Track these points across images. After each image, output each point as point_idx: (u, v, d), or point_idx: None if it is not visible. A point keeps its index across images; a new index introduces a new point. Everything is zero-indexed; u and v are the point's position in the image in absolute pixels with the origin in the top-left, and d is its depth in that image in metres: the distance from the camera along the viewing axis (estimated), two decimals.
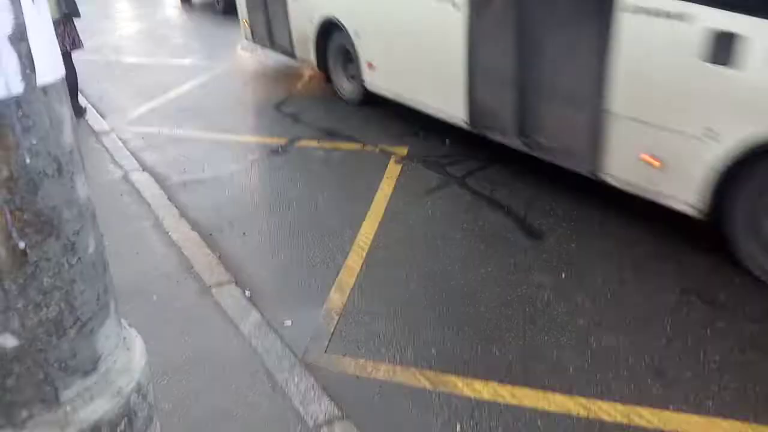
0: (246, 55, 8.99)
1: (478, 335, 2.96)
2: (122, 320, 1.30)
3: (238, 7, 7.97)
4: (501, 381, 2.67)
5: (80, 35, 5.87)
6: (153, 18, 12.70)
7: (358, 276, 3.45)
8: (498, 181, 4.51)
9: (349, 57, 6.10)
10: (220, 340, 2.92)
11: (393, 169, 4.82)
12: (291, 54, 7.10)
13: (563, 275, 3.38)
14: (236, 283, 3.37)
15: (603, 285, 3.29)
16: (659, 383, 2.63)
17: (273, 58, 8.92)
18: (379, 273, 3.49)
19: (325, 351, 2.90)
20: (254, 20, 7.67)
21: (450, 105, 4.81)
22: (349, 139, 5.50)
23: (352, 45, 5.87)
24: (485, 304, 3.18)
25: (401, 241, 3.81)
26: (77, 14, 5.73)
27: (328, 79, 6.69)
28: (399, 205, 4.25)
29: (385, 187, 4.52)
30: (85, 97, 6.68)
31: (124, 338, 1.28)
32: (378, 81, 5.73)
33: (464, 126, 4.77)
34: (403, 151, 5.17)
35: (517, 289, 3.28)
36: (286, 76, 7.87)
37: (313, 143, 5.44)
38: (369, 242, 3.79)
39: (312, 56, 6.62)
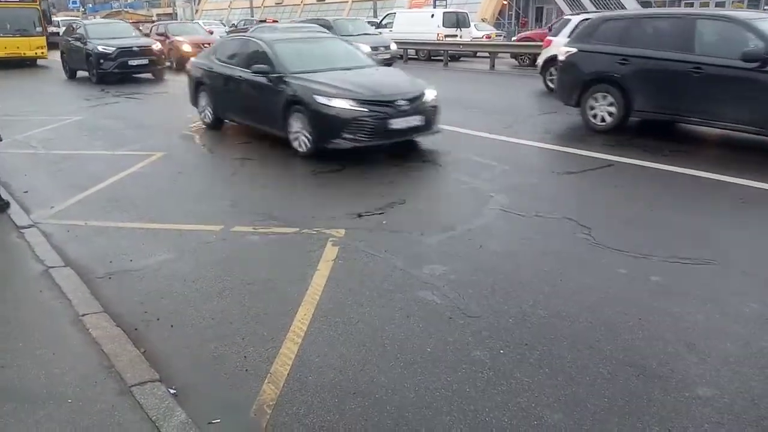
0: (183, 143, 8.94)
1: (419, 422, 2.84)
2: None
3: None
4: None
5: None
6: (85, 109, 12.58)
7: (293, 365, 3.30)
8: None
9: None
10: None
11: (330, 252, 4.77)
12: None
13: (501, 351, 3.35)
14: (161, 380, 3.15)
15: (540, 358, 3.26)
16: None
17: (216, 143, 8.92)
18: (315, 361, 3.34)
19: None
20: None
21: None
22: (286, 222, 5.45)
23: None
24: (424, 386, 3.08)
25: (339, 325, 3.70)
26: None
27: None
28: (336, 289, 4.17)
29: (323, 270, 4.44)
30: (9, 192, 6.41)
31: None
32: None
33: None
34: (341, 232, 5.15)
35: (456, 369, 3.21)
36: (225, 161, 7.85)
37: (249, 228, 5.35)
38: (305, 328, 3.66)
39: None
